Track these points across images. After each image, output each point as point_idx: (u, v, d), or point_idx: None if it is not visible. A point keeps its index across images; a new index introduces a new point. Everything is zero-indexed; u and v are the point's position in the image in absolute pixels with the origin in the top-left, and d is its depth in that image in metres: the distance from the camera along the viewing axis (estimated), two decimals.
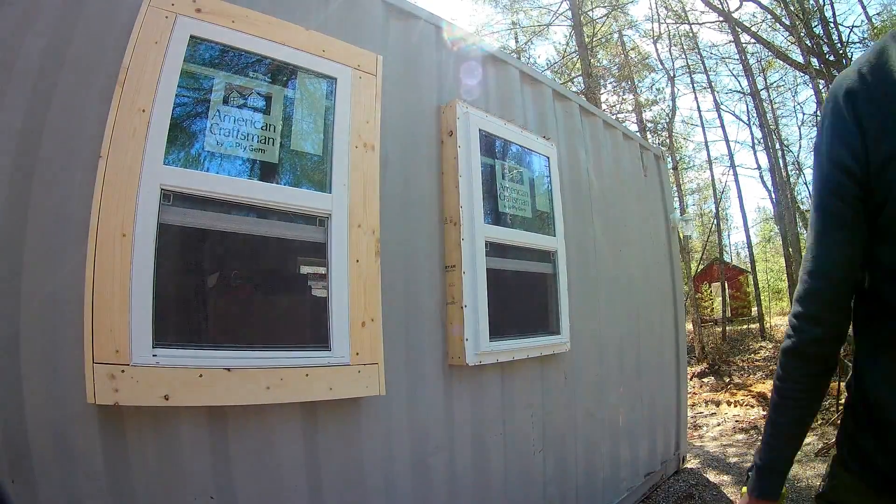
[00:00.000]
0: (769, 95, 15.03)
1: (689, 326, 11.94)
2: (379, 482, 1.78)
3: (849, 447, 0.81)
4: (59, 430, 1.26)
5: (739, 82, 15.41)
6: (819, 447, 4.47)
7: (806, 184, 14.67)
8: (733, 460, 4.76)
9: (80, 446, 1.27)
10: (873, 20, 11.23)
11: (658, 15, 14.67)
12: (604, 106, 14.07)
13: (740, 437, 5.81)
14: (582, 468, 2.80)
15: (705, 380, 9.55)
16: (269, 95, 1.69)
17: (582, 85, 12.46)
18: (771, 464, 0.84)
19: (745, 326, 15.00)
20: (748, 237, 14.52)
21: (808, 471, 4.04)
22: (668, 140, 15.25)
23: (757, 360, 10.19)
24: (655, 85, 17.02)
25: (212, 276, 1.57)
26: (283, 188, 1.64)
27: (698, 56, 15.29)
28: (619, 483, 3.18)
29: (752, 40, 12.75)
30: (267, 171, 1.66)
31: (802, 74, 12.28)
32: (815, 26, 10.71)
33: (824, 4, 10.73)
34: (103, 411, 1.28)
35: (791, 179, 14.82)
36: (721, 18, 12.87)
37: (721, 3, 12.58)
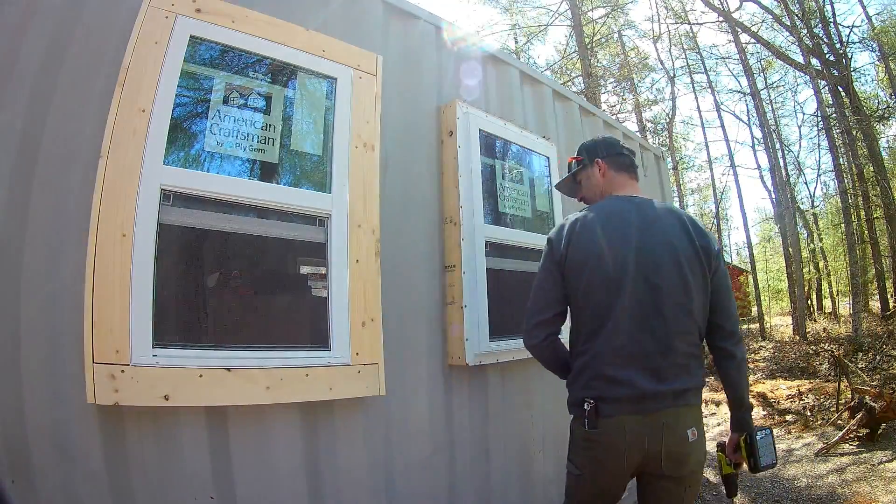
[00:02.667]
0: (769, 95, 15.04)
1: None
2: (379, 482, 1.78)
3: None
4: (59, 430, 1.26)
5: (739, 82, 15.43)
6: (819, 447, 4.47)
7: (806, 184, 14.68)
8: None
9: (80, 446, 1.27)
10: (873, 20, 11.24)
11: (658, 15, 14.69)
12: (604, 106, 14.06)
13: None
14: None
15: (705, 380, 9.54)
16: (268, 95, 1.69)
17: (582, 85, 12.47)
18: None
19: (745, 326, 15.00)
20: (748, 237, 14.49)
21: (808, 471, 4.04)
22: (667, 140, 15.26)
23: (757, 360, 10.18)
24: (655, 85, 17.05)
25: (212, 276, 1.57)
26: (283, 188, 1.64)
27: (698, 56, 15.31)
28: None
29: (752, 40, 12.75)
30: (267, 172, 1.65)
31: (802, 74, 12.28)
32: (816, 26, 10.71)
33: (824, 4, 10.72)
34: (103, 411, 1.28)
35: (791, 179, 14.83)
36: (721, 18, 12.87)
37: (721, 3, 12.58)
